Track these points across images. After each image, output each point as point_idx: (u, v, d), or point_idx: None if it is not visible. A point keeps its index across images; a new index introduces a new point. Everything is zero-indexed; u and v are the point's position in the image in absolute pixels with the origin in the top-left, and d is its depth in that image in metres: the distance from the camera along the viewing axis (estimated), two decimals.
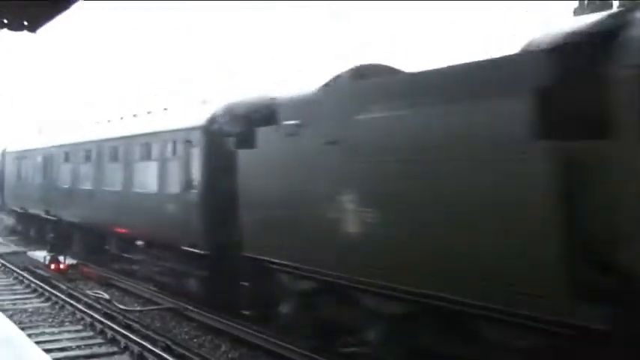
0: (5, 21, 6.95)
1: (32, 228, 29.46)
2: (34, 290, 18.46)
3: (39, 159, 27.45)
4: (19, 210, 30.62)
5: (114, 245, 20.50)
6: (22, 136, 36.30)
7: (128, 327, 13.81)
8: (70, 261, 21.26)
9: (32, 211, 28.23)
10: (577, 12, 39.35)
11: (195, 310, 14.91)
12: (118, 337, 13.11)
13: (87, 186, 21.96)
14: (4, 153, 34.18)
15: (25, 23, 6.97)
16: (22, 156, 30.50)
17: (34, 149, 28.56)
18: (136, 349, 12.32)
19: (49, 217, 25.85)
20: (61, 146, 25.20)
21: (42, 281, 19.08)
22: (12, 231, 32.18)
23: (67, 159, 24.46)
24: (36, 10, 6.61)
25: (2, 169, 34.03)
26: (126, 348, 12.60)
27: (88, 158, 22.14)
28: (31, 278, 19.64)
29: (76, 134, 24.79)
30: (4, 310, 12.58)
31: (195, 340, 13.17)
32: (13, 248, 26.74)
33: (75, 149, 23.55)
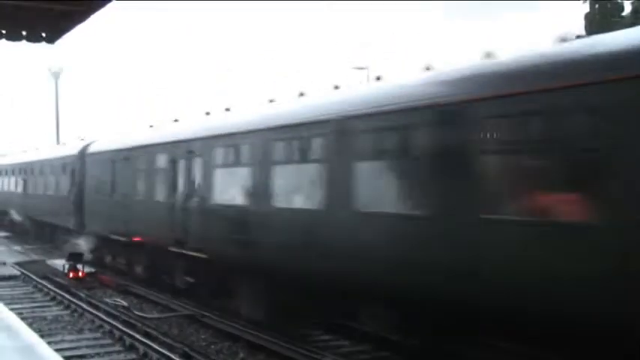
0: (24, 33, 7.07)
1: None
2: (54, 298, 18.61)
3: (162, 159, 18.00)
4: (115, 237, 20.91)
5: None
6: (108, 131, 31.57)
7: (147, 334, 13.90)
8: (88, 269, 21.42)
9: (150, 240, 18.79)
10: (588, 16, 39.29)
11: (213, 316, 14.99)
12: (137, 345, 13.19)
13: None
14: (83, 153, 24.50)
15: (43, 35, 7.08)
16: (122, 156, 20.72)
17: (150, 145, 19.22)
18: (155, 356, 12.40)
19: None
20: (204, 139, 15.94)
21: (61, 289, 19.24)
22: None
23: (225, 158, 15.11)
24: (54, 23, 6.71)
25: (81, 176, 24.13)
26: (145, 355, 12.68)
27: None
28: (51, 286, 19.80)
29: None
30: (24, 318, 12.71)
31: (212, 347, 13.23)
32: (33, 257, 26.95)
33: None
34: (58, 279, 20.92)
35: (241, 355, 12.69)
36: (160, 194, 17.89)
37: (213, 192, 15.20)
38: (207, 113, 18.95)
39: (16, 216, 35.58)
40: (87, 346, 13.47)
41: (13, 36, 7.13)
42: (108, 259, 22.86)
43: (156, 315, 16.01)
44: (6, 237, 35.58)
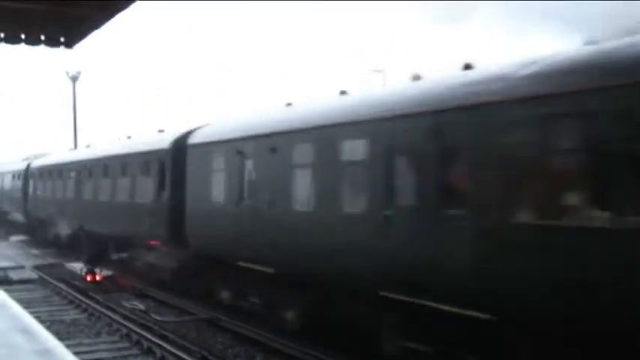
0: (42, 37, 7.10)
1: None
2: (71, 302, 18.68)
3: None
4: (248, 265, 14.88)
5: None
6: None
7: (164, 337, 13.92)
8: (105, 272, 21.51)
9: None
10: None
11: (230, 320, 14.99)
12: (154, 348, 13.21)
13: None
14: (181, 145, 18.54)
15: (62, 39, 7.11)
16: (264, 146, 14.31)
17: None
18: (172, 359, 12.41)
19: None
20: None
21: (78, 292, 19.32)
22: None
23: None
24: (72, 27, 6.74)
25: (177, 176, 18.37)
26: (162, 359, 12.69)
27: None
28: (68, 290, 19.89)
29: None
30: (42, 321, 12.76)
31: (230, 351, 13.23)
32: (50, 260, 27.09)
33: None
34: (75, 282, 21.02)
35: (258, 358, 12.68)
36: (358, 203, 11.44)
37: None
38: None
39: (64, 229, 28.22)
40: (104, 350, 13.51)
41: (32, 40, 7.17)
42: (225, 294, 16.43)
43: (173, 318, 16.03)
44: (24, 240, 35.80)
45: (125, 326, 15.04)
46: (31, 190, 34.69)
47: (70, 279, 21.67)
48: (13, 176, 38.83)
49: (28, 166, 35.79)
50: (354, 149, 11.39)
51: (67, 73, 43.51)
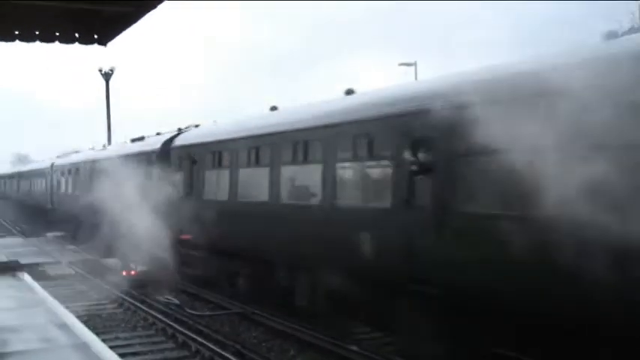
0: (77, 35, 7.16)
1: None
2: (107, 296, 18.90)
3: None
4: None
5: None
6: None
7: (199, 332, 14.03)
8: (141, 267, 21.69)
9: None
10: None
11: (264, 314, 15.05)
12: (189, 342, 13.33)
13: None
14: None
15: (96, 37, 7.16)
16: None
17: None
18: (207, 353, 12.51)
19: None
20: None
21: (114, 287, 19.54)
22: None
23: None
24: (106, 24, 6.79)
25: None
26: (197, 352, 12.80)
27: None
28: (104, 284, 20.13)
29: None
30: (79, 316, 12.87)
31: (264, 345, 13.30)
32: (87, 256, 27.42)
33: None
34: (111, 277, 21.24)
35: (292, 352, 12.73)
36: None
37: None
38: None
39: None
40: (140, 344, 13.67)
41: (66, 39, 7.24)
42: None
43: (207, 313, 16.16)
44: (60, 236, 36.28)
45: (160, 320, 15.20)
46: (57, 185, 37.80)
47: (106, 274, 21.91)
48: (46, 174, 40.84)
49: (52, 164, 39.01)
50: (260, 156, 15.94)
51: (101, 70, 43.83)
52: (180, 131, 22.28)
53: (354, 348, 11.98)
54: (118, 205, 20.34)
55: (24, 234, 40.70)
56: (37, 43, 7.14)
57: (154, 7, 6.09)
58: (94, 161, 29.45)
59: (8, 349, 9.09)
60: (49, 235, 37.58)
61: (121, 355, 9.37)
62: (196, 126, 22.28)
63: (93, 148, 34.72)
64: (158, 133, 24.87)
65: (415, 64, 34.71)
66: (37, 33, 7.03)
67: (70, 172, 34.65)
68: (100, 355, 8.71)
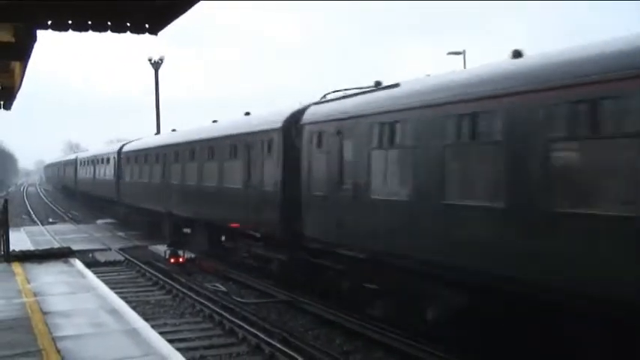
0: (128, 24, 7.24)
1: None
2: (156, 283, 19.17)
3: None
4: None
5: None
6: None
7: (245, 319, 14.14)
8: (188, 254, 21.97)
9: None
10: None
11: (310, 302, 15.10)
12: (236, 329, 13.44)
13: None
14: None
15: (147, 26, 7.22)
16: None
17: None
18: (253, 340, 12.59)
19: None
20: None
21: (163, 274, 19.81)
22: None
23: None
24: (158, 13, 6.84)
25: None
26: (243, 340, 12.89)
27: None
28: (153, 271, 20.42)
29: None
30: (129, 302, 13.12)
31: (310, 333, 13.33)
32: (135, 243, 27.86)
33: None
34: (159, 264, 21.56)
35: (338, 341, 12.73)
36: None
37: None
38: None
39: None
40: (188, 330, 13.83)
41: (118, 27, 7.32)
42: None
43: (254, 300, 16.26)
44: (110, 223, 36.92)
45: (208, 307, 15.35)
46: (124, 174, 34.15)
47: (155, 261, 22.25)
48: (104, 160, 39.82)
49: (121, 149, 35.42)
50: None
51: (150, 60, 44.27)
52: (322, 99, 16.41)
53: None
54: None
55: (75, 220, 41.53)
56: (90, 32, 7.22)
57: None
58: (203, 141, 22.47)
59: (60, 333, 9.32)
60: (99, 222, 38.29)
61: (169, 341, 9.53)
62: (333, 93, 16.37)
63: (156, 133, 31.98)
64: (247, 113, 21.22)
65: (464, 52, 34.24)
66: (89, 23, 7.12)
67: (157, 157, 28.02)
68: (149, 341, 8.88)
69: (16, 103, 17.27)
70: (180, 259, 21.51)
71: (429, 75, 13.26)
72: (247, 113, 21.45)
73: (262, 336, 12.63)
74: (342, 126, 14.07)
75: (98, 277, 15.04)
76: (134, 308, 12.66)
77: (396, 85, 13.21)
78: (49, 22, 7.18)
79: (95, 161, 43.08)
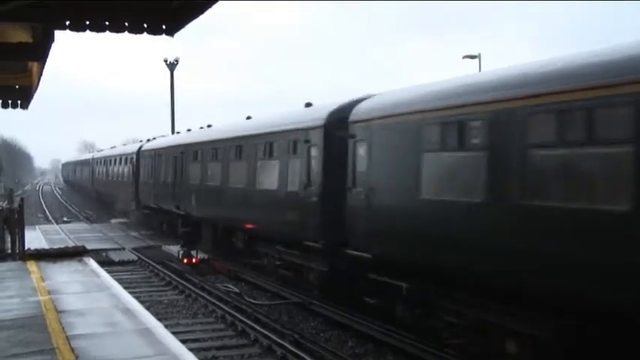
0: (145, 25, 7.28)
1: None
2: (169, 283, 19.23)
3: None
4: None
5: None
6: None
7: (257, 320, 14.17)
8: (201, 255, 22.03)
9: None
10: None
11: (322, 304, 15.10)
12: (248, 330, 13.46)
13: None
14: None
15: (164, 27, 7.27)
16: None
17: None
18: (265, 342, 12.61)
19: None
20: None
21: (176, 274, 19.87)
22: None
23: None
24: (174, 15, 6.87)
25: None
26: (255, 341, 12.91)
27: None
28: (166, 271, 20.49)
29: None
30: (142, 302, 13.17)
31: (322, 335, 13.34)
32: (149, 243, 27.96)
33: None
34: (173, 264, 21.63)
35: (350, 343, 12.73)
36: None
37: None
38: None
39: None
40: (201, 330, 13.86)
41: (135, 28, 7.36)
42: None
43: (266, 302, 16.28)
44: (124, 223, 37.08)
45: (220, 308, 15.38)
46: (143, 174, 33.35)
47: (168, 261, 22.32)
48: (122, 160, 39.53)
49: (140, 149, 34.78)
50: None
51: (166, 61, 44.46)
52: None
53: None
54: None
55: (89, 220, 41.74)
56: (107, 33, 7.27)
57: None
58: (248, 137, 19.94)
59: (75, 332, 9.37)
60: (113, 221, 38.48)
61: (181, 341, 9.57)
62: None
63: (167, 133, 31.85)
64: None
65: (479, 56, 34.17)
66: (106, 23, 7.16)
67: (184, 156, 26.03)
68: (162, 341, 8.92)
69: (32, 103, 17.37)
70: (194, 260, 21.59)
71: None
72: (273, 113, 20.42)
73: (274, 337, 12.64)
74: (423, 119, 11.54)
75: (112, 276, 15.11)
76: (147, 308, 12.70)
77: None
78: (67, 23, 7.24)
79: (117, 161, 41.94)
